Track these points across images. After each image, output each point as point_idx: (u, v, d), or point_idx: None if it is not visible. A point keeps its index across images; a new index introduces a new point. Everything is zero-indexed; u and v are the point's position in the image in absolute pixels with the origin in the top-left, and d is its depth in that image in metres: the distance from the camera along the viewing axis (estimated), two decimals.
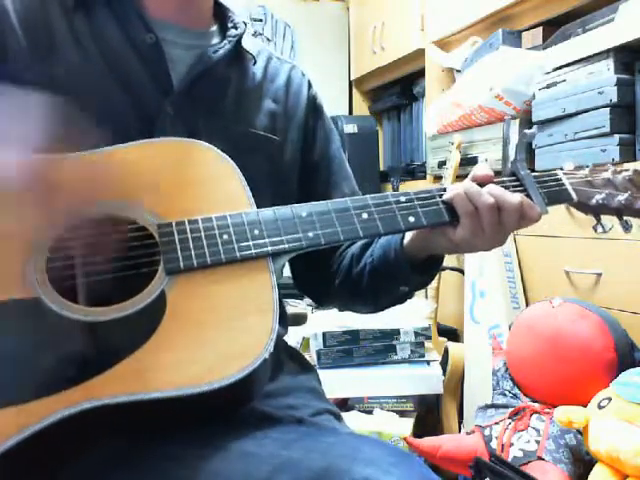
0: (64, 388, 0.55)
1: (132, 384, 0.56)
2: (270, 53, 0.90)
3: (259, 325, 0.61)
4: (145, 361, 0.58)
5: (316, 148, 0.90)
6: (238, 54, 0.84)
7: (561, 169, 0.79)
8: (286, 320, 0.89)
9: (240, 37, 0.83)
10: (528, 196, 0.73)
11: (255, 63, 0.86)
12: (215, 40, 0.84)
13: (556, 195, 0.75)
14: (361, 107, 3.16)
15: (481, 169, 0.73)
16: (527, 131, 0.79)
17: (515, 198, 0.70)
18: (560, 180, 0.77)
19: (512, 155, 0.77)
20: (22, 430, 0.53)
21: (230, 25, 0.84)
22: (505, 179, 0.75)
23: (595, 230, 0.77)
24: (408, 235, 0.76)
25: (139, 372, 0.57)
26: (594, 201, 0.76)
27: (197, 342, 0.60)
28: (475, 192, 0.70)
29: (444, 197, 0.72)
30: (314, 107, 0.91)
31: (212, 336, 0.60)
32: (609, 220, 0.77)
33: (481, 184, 0.71)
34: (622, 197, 0.76)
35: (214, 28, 0.85)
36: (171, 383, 0.57)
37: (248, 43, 0.85)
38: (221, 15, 0.86)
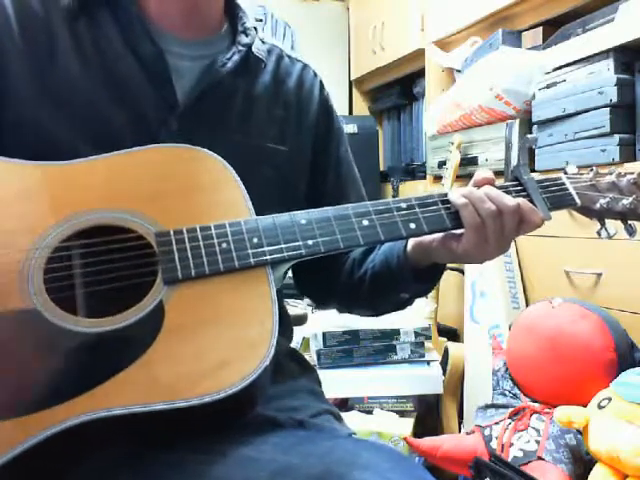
0: (62, 400, 0.54)
1: (130, 396, 0.55)
2: (281, 51, 0.87)
3: (258, 335, 0.60)
4: (143, 373, 0.57)
5: (325, 152, 0.88)
6: (247, 60, 0.80)
7: (565, 173, 0.78)
8: (290, 329, 0.88)
9: (250, 46, 0.80)
10: (531, 201, 0.72)
11: (265, 66, 0.83)
12: (224, 44, 0.81)
13: (559, 200, 0.74)
14: (361, 107, 3.16)
15: (481, 174, 0.72)
16: (529, 136, 0.79)
17: (511, 201, 0.69)
18: (564, 184, 0.75)
19: (514, 159, 0.76)
20: (22, 442, 0.52)
21: (240, 29, 0.81)
22: (508, 184, 0.74)
23: (599, 235, 0.76)
24: (410, 243, 0.76)
25: (138, 384, 0.56)
26: (598, 205, 0.75)
27: (196, 353, 0.59)
28: (477, 198, 0.69)
29: (451, 200, 0.71)
30: (326, 110, 0.89)
31: (211, 347, 0.59)
32: (613, 225, 0.77)
33: (479, 187, 0.71)
34: (627, 201, 0.75)
35: (224, 29, 0.82)
36: (170, 395, 0.56)
37: (258, 45, 0.82)
38: (232, 13, 0.83)
